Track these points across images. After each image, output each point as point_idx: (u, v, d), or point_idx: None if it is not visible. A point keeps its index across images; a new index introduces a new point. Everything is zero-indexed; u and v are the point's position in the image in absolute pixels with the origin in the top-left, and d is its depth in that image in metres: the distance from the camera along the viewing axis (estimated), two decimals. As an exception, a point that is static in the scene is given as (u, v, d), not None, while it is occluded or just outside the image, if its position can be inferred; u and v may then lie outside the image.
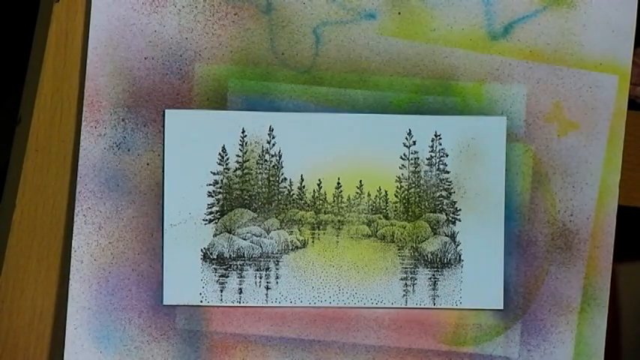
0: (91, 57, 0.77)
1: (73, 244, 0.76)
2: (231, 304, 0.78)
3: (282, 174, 0.78)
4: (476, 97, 0.79)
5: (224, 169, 0.78)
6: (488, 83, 0.79)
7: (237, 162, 0.78)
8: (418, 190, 0.79)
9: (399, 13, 0.78)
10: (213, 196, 0.78)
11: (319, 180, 0.78)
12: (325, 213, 0.78)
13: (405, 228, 0.79)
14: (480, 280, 0.79)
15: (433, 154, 0.79)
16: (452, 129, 0.79)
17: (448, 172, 0.79)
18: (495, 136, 0.79)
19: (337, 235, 0.78)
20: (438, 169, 0.79)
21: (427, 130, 0.79)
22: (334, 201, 0.78)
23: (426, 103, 0.79)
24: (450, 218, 0.79)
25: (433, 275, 0.79)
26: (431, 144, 0.79)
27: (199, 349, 0.78)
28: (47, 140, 0.78)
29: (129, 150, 0.77)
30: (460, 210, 0.79)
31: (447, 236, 0.79)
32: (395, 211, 0.79)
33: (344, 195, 0.78)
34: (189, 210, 0.77)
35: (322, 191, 0.78)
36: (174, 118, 0.77)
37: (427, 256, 0.79)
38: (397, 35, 0.78)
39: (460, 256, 0.79)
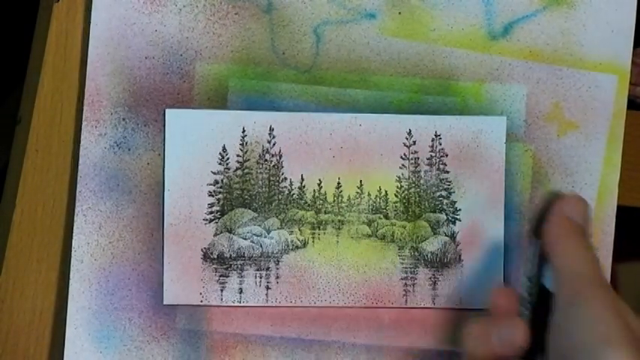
0: (91, 56, 0.77)
1: (73, 244, 0.76)
2: (232, 304, 0.78)
3: (283, 174, 0.78)
4: (476, 97, 0.79)
5: (224, 168, 0.78)
6: (488, 83, 0.79)
7: (238, 161, 0.78)
8: (418, 189, 0.79)
9: (400, 13, 0.79)
10: (213, 196, 0.77)
11: (319, 180, 0.78)
12: (325, 213, 0.78)
13: (405, 228, 0.79)
14: (479, 280, 0.79)
15: (433, 154, 0.79)
16: (452, 129, 0.79)
17: (448, 172, 0.79)
18: (495, 136, 0.79)
19: (337, 235, 0.78)
20: (438, 169, 0.79)
21: (427, 130, 0.79)
22: (334, 201, 0.78)
23: (426, 103, 0.79)
24: (450, 218, 0.79)
25: (433, 275, 0.79)
26: (431, 144, 0.79)
27: (200, 349, 0.77)
28: (47, 140, 0.78)
29: (129, 149, 0.77)
30: (460, 210, 0.79)
31: (447, 236, 0.79)
32: (395, 210, 0.79)
33: (344, 195, 0.78)
34: (189, 210, 0.77)
35: (322, 191, 0.78)
36: (174, 117, 0.77)
37: (427, 256, 0.79)
38: (397, 35, 0.79)
39: (460, 256, 0.79)
